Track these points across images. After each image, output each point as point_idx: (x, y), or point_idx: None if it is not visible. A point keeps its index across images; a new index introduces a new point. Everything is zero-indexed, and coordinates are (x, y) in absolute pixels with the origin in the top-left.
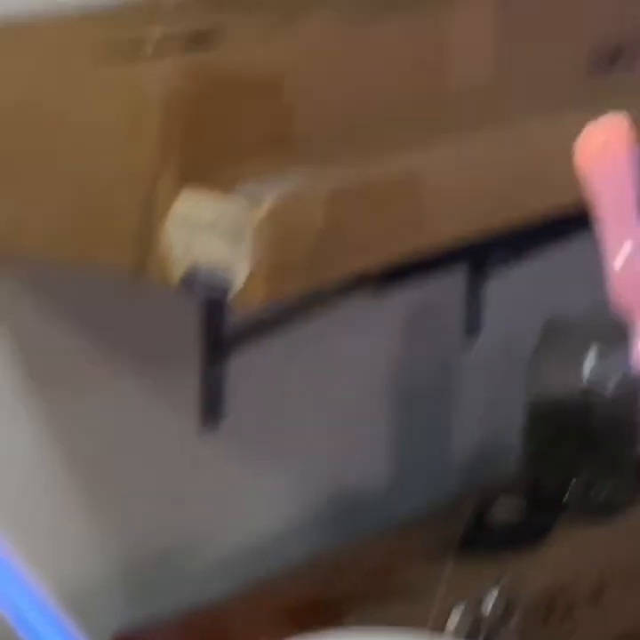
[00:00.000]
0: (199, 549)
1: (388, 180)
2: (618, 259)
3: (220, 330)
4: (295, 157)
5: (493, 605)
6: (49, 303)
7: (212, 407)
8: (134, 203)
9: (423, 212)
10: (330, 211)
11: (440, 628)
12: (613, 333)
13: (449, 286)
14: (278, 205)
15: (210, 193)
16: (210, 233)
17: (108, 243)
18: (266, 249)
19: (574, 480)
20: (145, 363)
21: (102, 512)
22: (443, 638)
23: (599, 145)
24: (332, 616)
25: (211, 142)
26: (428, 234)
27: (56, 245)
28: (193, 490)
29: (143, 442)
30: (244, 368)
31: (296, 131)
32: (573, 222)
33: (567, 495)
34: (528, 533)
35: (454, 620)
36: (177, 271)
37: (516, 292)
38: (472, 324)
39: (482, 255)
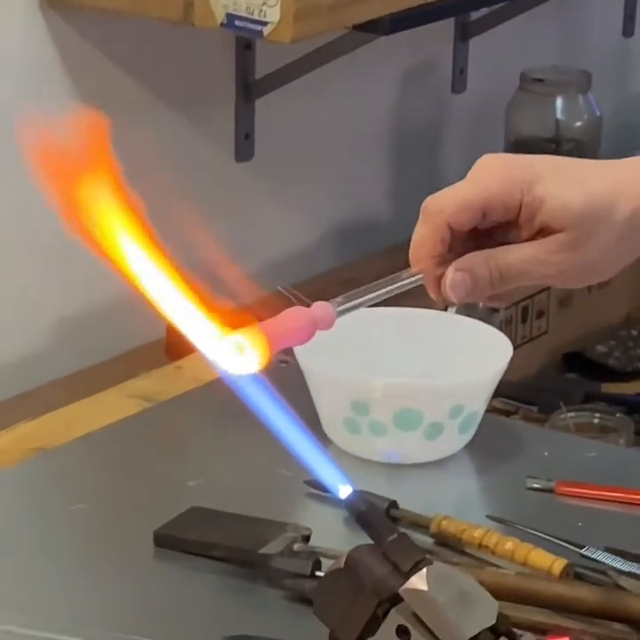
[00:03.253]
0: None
1: None
2: None
3: (251, 75)
4: None
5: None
6: (109, 51)
7: (244, 143)
8: None
9: None
10: None
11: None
12: (578, 84)
13: (439, 46)
14: None
15: None
16: None
17: None
18: None
19: None
20: (188, 103)
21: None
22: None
23: None
24: None
25: None
26: None
27: None
28: (228, 211)
29: (186, 169)
30: (269, 110)
31: None
32: None
33: None
34: None
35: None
36: (218, 16)
37: (495, 52)
38: (458, 80)
39: (467, 13)
